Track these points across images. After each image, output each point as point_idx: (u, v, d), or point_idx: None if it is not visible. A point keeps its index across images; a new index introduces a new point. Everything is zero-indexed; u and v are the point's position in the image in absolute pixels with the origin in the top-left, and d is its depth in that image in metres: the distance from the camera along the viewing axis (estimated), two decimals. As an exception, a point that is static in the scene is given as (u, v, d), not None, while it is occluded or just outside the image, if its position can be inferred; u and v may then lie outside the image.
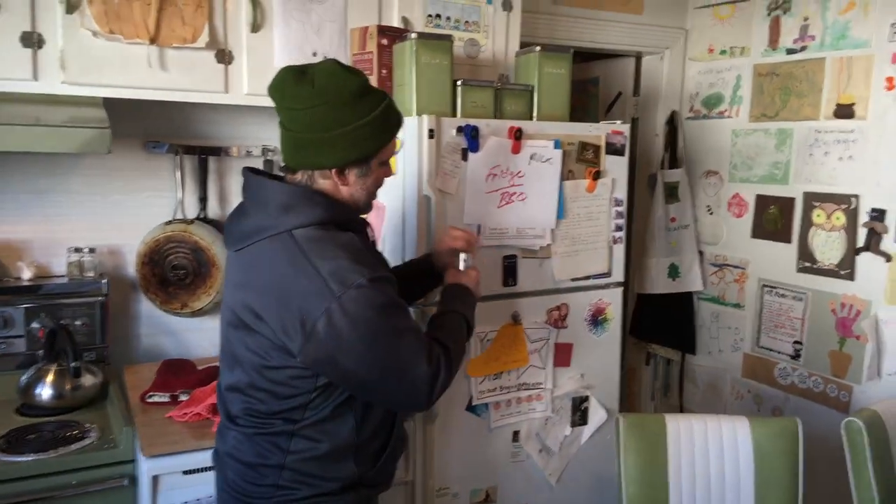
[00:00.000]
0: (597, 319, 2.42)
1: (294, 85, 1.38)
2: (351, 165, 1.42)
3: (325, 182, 1.44)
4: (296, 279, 1.32)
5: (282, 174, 1.51)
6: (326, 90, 1.37)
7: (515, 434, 2.31)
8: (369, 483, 1.51)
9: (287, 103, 1.39)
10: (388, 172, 1.54)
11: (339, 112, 1.38)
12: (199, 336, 2.52)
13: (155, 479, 1.77)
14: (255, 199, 1.44)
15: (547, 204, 2.26)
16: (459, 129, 2.09)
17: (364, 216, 1.55)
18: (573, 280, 2.36)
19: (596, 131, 2.36)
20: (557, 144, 2.24)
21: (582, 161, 2.34)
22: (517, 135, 2.16)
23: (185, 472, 1.79)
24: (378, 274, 1.36)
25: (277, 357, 1.36)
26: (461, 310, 1.63)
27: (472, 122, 2.11)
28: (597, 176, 2.35)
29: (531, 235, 2.25)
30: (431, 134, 2.05)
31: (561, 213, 2.29)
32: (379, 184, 1.52)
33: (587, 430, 2.44)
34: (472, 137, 2.10)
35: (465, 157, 2.11)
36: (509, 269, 2.24)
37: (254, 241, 1.39)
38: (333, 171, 1.42)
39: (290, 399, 1.39)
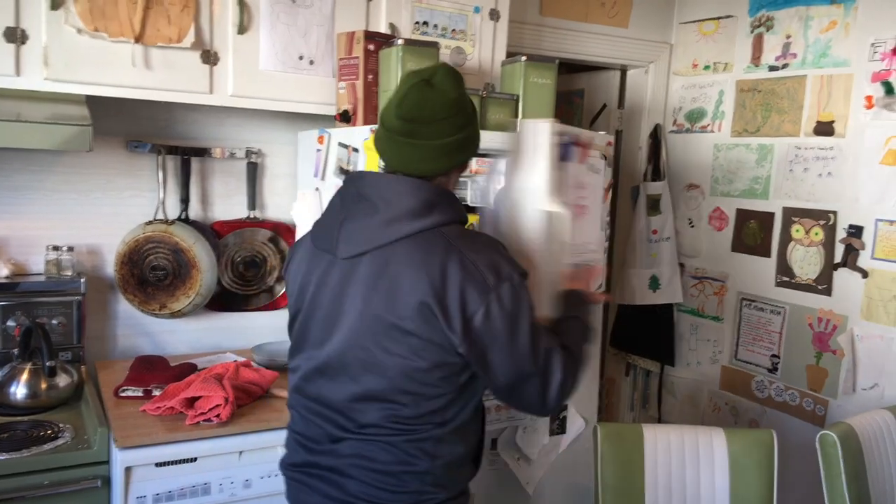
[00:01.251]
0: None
1: (432, 95, 1.38)
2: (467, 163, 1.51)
3: (441, 179, 1.44)
4: (453, 273, 1.31)
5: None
6: (460, 97, 1.41)
7: (493, 442, 2.30)
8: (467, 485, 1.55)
9: (427, 114, 1.38)
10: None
11: (468, 116, 1.44)
12: (177, 337, 2.50)
13: (128, 470, 1.75)
14: (388, 198, 1.37)
15: (597, 217, 2.16)
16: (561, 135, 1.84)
17: None
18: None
19: (601, 142, 2.35)
20: (602, 155, 2.19)
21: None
22: (589, 144, 2.07)
23: (158, 465, 1.78)
24: (525, 270, 1.39)
25: (431, 355, 1.34)
26: (581, 316, 1.60)
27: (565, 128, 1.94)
28: (611, 187, 2.34)
29: (590, 250, 2.17)
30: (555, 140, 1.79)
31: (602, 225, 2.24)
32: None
33: (565, 439, 2.44)
34: (568, 145, 1.90)
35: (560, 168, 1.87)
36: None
37: (392, 242, 1.35)
38: (456, 172, 1.49)
39: (435, 399, 1.38)
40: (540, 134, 1.76)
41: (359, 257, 1.38)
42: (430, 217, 1.36)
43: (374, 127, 2.05)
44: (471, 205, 2.06)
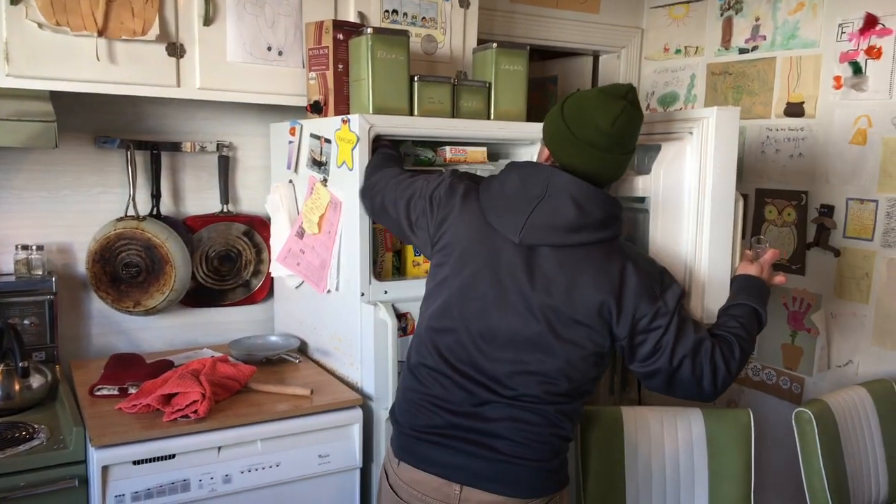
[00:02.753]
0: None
1: (636, 115, 1.58)
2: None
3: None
4: (630, 280, 1.52)
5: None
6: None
7: (474, 429, 2.31)
8: None
9: (632, 131, 1.58)
10: None
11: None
12: (152, 334, 2.48)
13: (105, 469, 1.73)
14: (581, 205, 1.52)
15: None
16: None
17: None
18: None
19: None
20: None
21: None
22: None
23: (136, 462, 1.76)
24: (681, 286, 1.61)
25: (595, 343, 1.55)
26: (752, 302, 1.73)
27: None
28: None
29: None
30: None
31: None
32: None
33: (545, 425, 2.45)
34: None
35: None
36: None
37: (580, 244, 1.53)
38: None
39: (585, 378, 1.59)
40: (732, 121, 1.87)
41: (539, 247, 1.54)
42: (611, 228, 1.56)
43: (348, 117, 2.04)
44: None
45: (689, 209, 1.89)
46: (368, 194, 1.93)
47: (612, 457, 2.04)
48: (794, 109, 2.73)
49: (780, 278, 1.86)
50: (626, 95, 1.55)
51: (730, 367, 1.59)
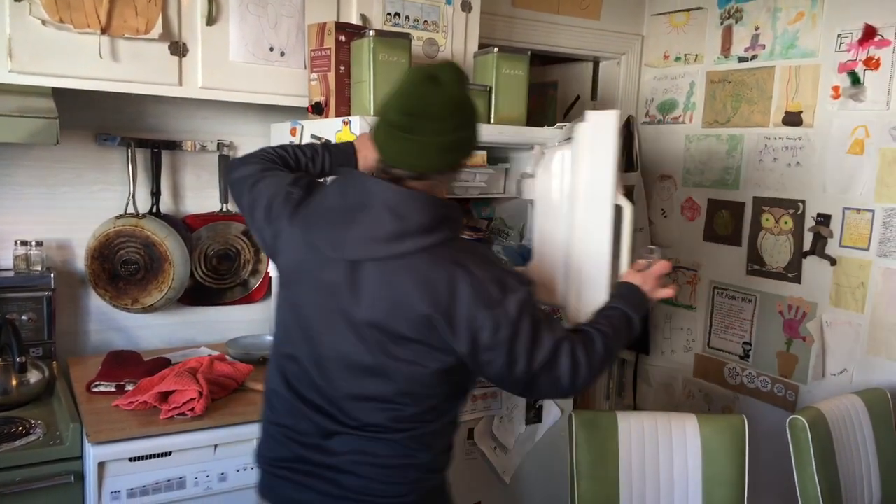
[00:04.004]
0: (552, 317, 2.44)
1: (436, 92, 1.36)
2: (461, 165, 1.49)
3: (440, 188, 1.46)
4: (462, 289, 1.34)
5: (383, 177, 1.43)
6: (463, 96, 1.40)
7: (470, 431, 2.32)
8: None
9: (429, 110, 1.36)
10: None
11: (468, 117, 1.42)
12: (150, 332, 2.48)
13: (101, 465, 1.74)
14: (398, 212, 1.36)
15: None
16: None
17: None
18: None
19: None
20: None
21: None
22: None
23: (132, 459, 1.77)
24: (524, 277, 1.44)
25: (435, 361, 1.39)
26: (625, 307, 1.60)
27: None
28: None
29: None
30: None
31: None
32: None
33: (541, 428, 2.46)
34: None
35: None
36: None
37: (402, 254, 1.36)
38: (449, 171, 1.47)
39: (434, 397, 1.44)
40: (608, 126, 1.79)
41: (362, 262, 1.38)
42: (438, 232, 1.38)
43: (349, 118, 2.05)
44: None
45: (564, 213, 1.86)
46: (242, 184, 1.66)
47: (606, 462, 2.04)
48: (793, 118, 2.75)
49: (666, 291, 1.71)
50: (436, 71, 1.38)
51: (591, 363, 1.45)
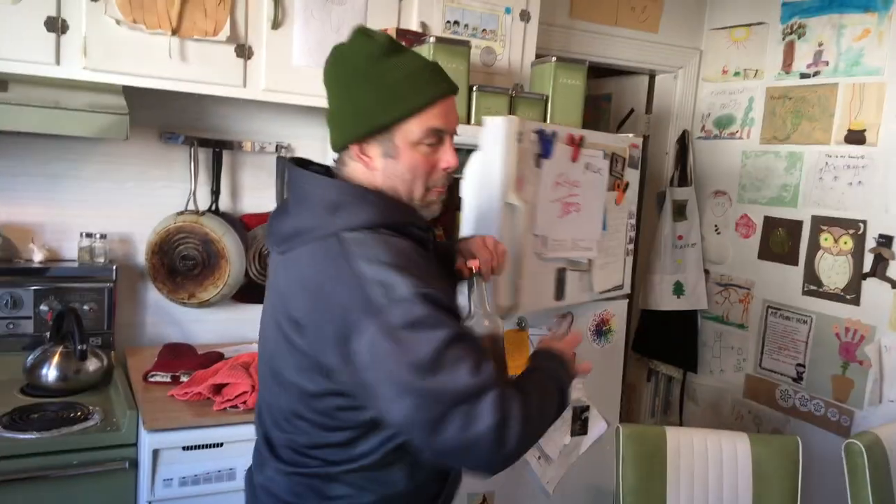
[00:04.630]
0: (601, 330, 2.43)
1: (330, 60, 1.27)
2: (368, 140, 1.22)
3: (355, 166, 1.25)
4: (336, 288, 1.12)
5: (329, 165, 1.33)
6: (344, 56, 1.25)
7: (514, 440, 2.30)
8: None
9: (324, 77, 1.28)
10: (432, 161, 1.25)
11: (354, 78, 1.22)
12: (204, 327, 2.54)
13: (155, 453, 1.79)
14: (299, 195, 1.26)
15: (596, 215, 2.23)
16: (538, 133, 2.00)
17: (433, 218, 1.32)
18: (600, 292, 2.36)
19: (622, 143, 2.37)
20: (605, 154, 2.23)
21: (611, 173, 2.34)
22: (580, 142, 2.14)
23: (185, 448, 1.82)
24: (429, 290, 1.12)
25: (317, 380, 1.17)
26: (549, 369, 1.28)
27: (544, 126, 2.05)
28: (626, 188, 2.36)
29: (582, 247, 2.23)
30: (520, 137, 1.95)
31: (605, 225, 2.28)
32: (420, 173, 1.24)
33: (587, 440, 2.44)
34: (548, 142, 2.02)
35: (538, 164, 2.03)
36: (559, 283, 2.19)
37: (297, 244, 1.21)
38: (355, 148, 1.23)
39: (333, 433, 1.20)
40: (497, 129, 1.94)
41: (280, 255, 1.25)
42: (331, 221, 1.18)
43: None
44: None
45: (470, 211, 2.01)
46: None
47: (653, 478, 2.02)
48: (856, 137, 2.69)
49: (584, 367, 1.36)
50: (354, 40, 1.25)
51: (526, 426, 1.10)
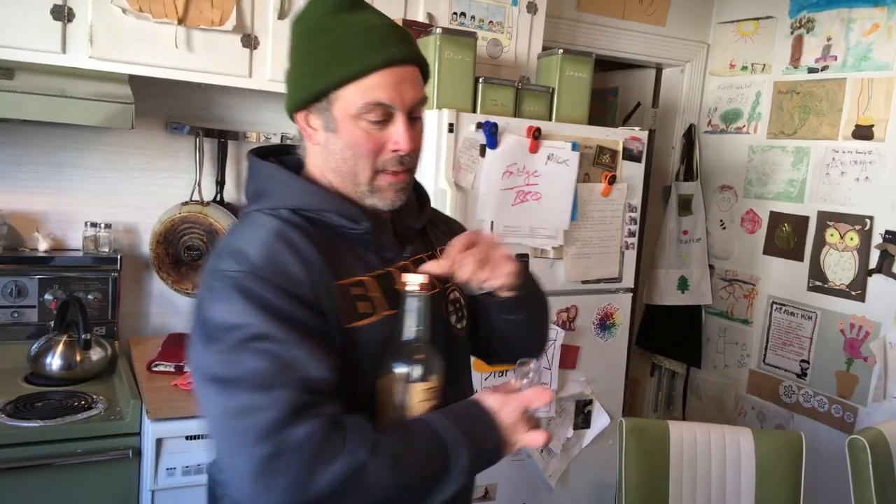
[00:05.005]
0: (605, 324, 2.43)
1: (296, 24, 1.11)
2: (310, 109, 1.06)
3: (306, 140, 1.10)
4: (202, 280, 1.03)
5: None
6: (300, 13, 1.09)
7: (517, 433, 2.31)
8: None
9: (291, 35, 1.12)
10: (378, 140, 1.05)
11: (302, 38, 1.08)
12: (208, 318, 2.54)
13: (159, 442, 1.79)
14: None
15: (561, 205, 2.27)
16: (479, 125, 2.11)
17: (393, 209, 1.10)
18: (584, 283, 2.37)
19: (614, 136, 2.37)
20: (575, 146, 2.25)
21: (599, 165, 2.35)
22: (536, 134, 2.18)
23: (188, 438, 1.82)
24: (266, 275, 0.96)
25: None
26: (446, 429, 0.96)
27: (492, 118, 2.12)
28: (612, 180, 2.36)
29: (543, 235, 2.26)
30: (451, 128, 2.07)
31: (575, 215, 2.30)
32: (362, 152, 1.04)
33: (589, 434, 2.44)
34: (491, 134, 2.11)
35: (482, 154, 2.13)
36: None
37: None
38: (300, 118, 1.08)
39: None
40: (430, 121, 2.04)
41: None
42: (247, 211, 1.09)
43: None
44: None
45: None
46: None
47: (657, 470, 2.01)
48: (863, 132, 2.67)
49: (535, 438, 1.01)
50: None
51: (313, 475, 0.87)
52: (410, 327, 1.01)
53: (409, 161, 1.08)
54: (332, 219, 1.06)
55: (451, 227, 1.31)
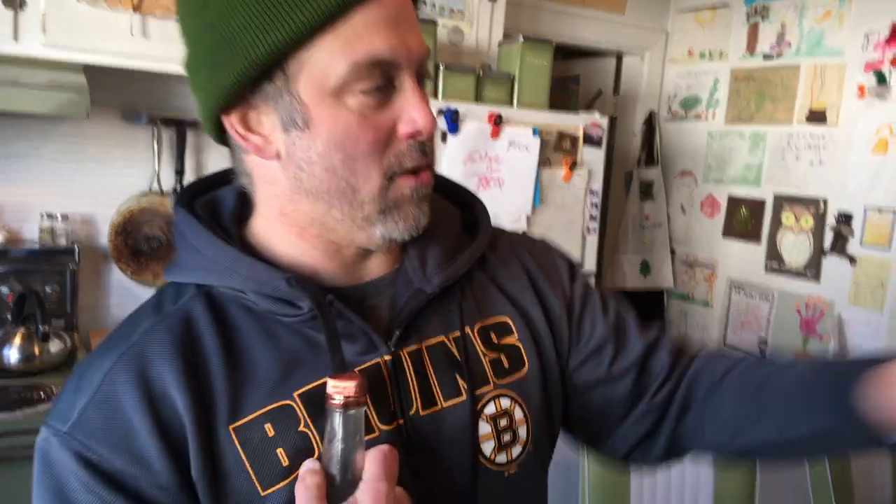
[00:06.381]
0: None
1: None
2: (248, 101, 0.66)
3: (249, 163, 0.71)
4: None
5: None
6: None
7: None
8: None
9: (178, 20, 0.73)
10: (382, 123, 0.65)
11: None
12: (171, 310, 2.52)
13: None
14: None
15: (523, 191, 2.29)
16: (440, 112, 2.12)
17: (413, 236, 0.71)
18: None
19: (575, 121, 2.40)
20: (536, 132, 2.28)
21: (560, 150, 2.37)
22: (497, 120, 2.19)
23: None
24: (87, 444, 0.63)
25: None
26: None
27: (454, 105, 2.14)
28: (573, 166, 2.38)
29: (506, 221, 2.28)
30: None
31: (537, 200, 2.32)
32: (363, 148, 0.64)
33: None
34: (452, 121, 2.12)
35: (444, 140, 2.14)
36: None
37: None
38: (231, 123, 0.67)
39: None
40: None
41: None
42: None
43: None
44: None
45: None
46: None
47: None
48: (817, 117, 2.73)
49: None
50: None
51: None
52: (333, 461, 0.61)
53: (431, 149, 0.70)
54: (247, 303, 0.68)
55: (527, 261, 0.85)
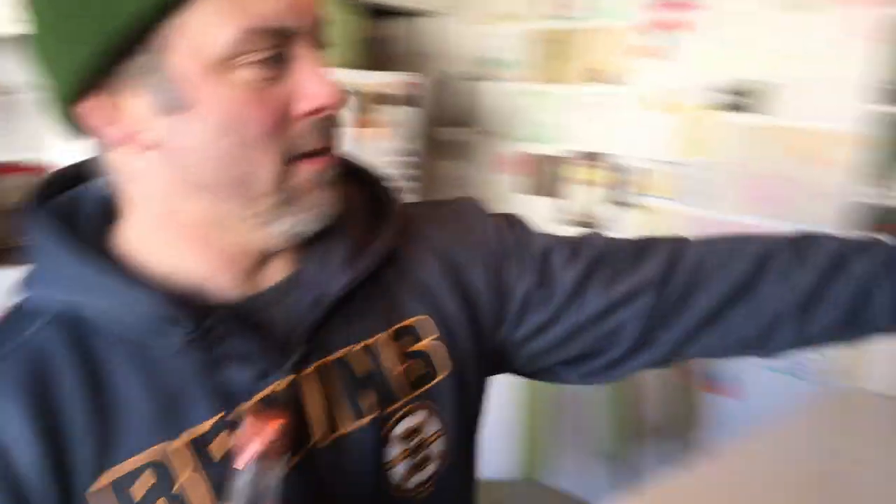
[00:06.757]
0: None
1: None
2: (110, 82, 0.55)
3: (114, 162, 0.60)
4: None
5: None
6: None
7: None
8: None
9: None
10: (276, 99, 0.57)
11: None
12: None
13: None
14: None
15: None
16: None
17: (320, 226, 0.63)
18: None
19: (384, 80, 2.41)
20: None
21: (371, 111, 2.38)
22: None
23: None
24: None
25: None
26: None
27: None
28: (383, 126, 2.41)
29: None
30: None
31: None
32: (254, 131, 0.56)
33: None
34: None
35: None
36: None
37: None
38: (88, 109, 0.56)
39: None
40: None
41: None
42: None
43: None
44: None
45: None
46: None
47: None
48: (600, 76, 2.97)
49: None
50: None
51: None
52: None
53: (335, 128, 0.62)
54: (132, 326, 0.58)
55: (439, 240, 0.75)
